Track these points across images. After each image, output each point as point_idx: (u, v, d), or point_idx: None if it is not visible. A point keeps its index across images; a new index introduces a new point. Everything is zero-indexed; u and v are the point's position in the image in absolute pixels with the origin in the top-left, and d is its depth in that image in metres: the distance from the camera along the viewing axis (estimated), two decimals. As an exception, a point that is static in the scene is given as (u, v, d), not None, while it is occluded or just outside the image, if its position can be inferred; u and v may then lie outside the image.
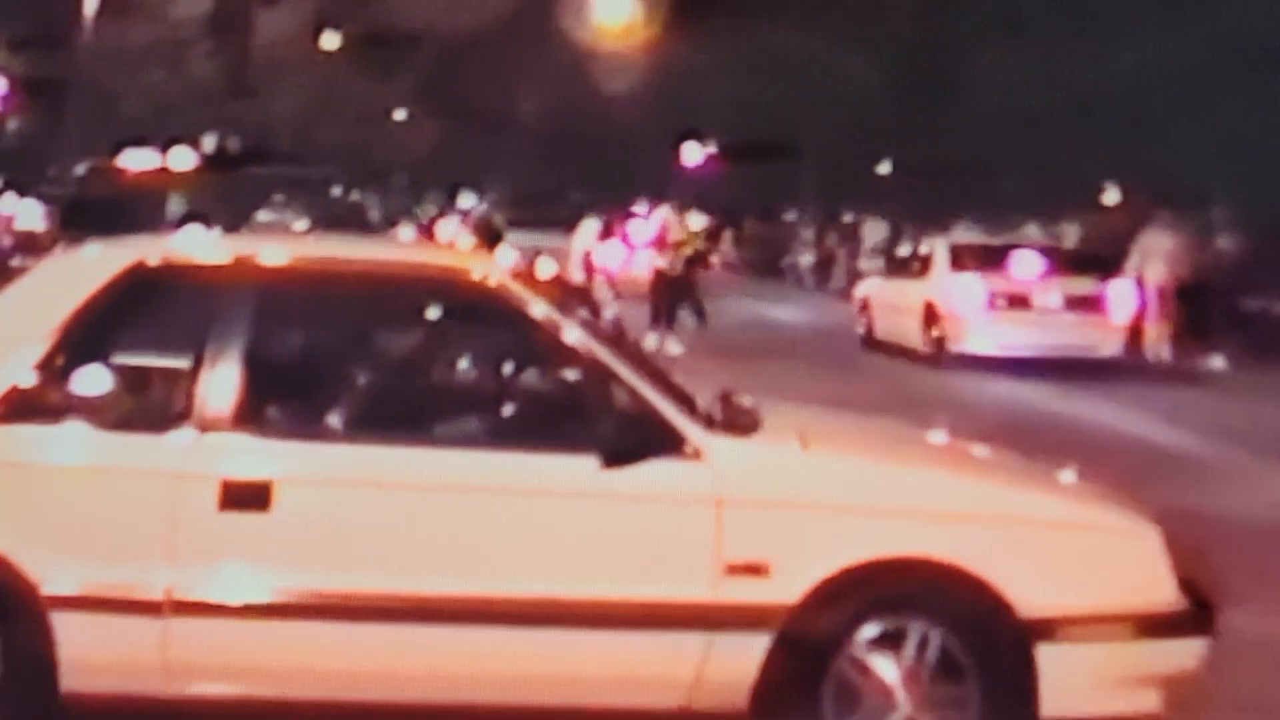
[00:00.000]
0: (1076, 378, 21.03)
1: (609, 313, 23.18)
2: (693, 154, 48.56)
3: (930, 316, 23.60)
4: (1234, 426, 16.97)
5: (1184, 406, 18.94)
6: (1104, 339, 23.03)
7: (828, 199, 48.28)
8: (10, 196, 35.21)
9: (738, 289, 39.62)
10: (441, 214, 49.64)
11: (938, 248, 25.04)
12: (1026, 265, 23.77)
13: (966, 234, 29.99)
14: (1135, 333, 23.75)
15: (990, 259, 24.00)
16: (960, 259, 24.13)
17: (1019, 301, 22.91)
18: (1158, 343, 23.77)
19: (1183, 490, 11.69)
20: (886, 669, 6.08)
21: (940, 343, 23.24)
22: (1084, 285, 23.35)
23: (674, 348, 23.64)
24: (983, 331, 22.77)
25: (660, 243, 26.71)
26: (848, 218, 45.31)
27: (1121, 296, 23.51)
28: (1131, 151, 36.06)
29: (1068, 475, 6.89)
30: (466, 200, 56.40)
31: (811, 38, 45.33)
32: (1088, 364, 22.09)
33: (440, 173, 59.98)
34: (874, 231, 41.94)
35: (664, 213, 27.45)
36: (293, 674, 6.10)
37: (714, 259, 52.76)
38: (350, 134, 58.06)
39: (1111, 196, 41.41)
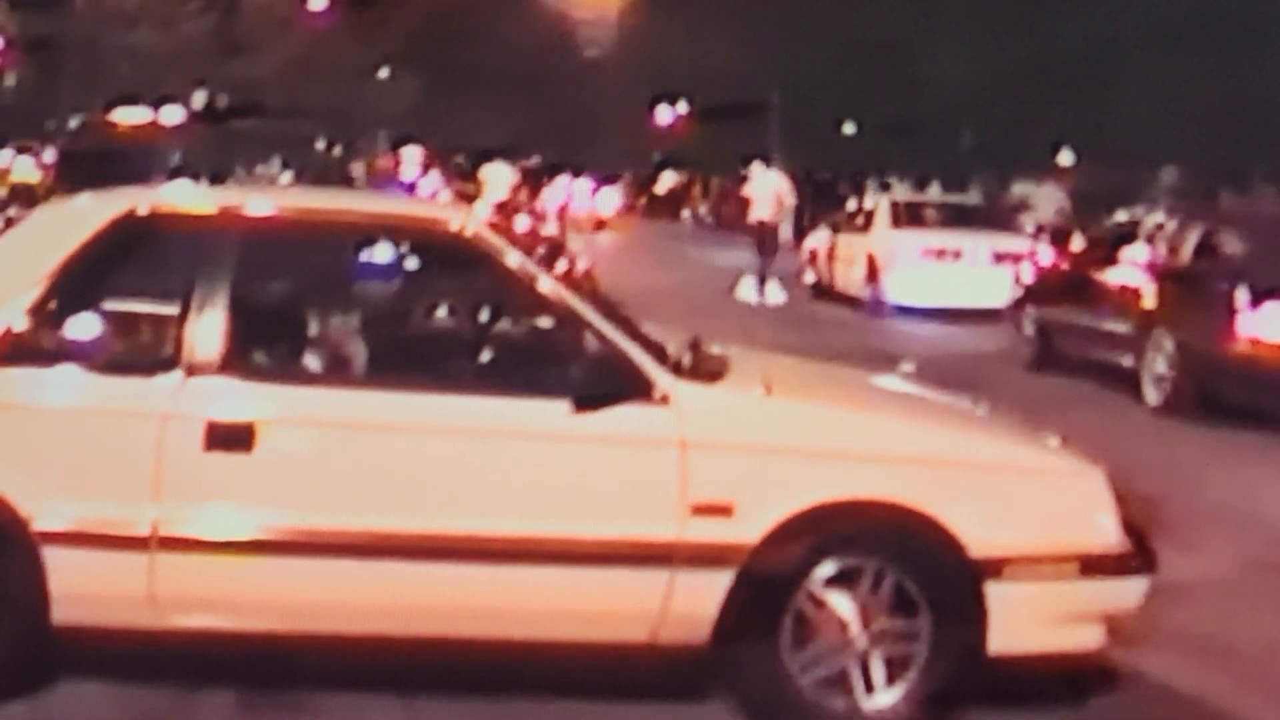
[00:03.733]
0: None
1: (581, 263, 23.94)
2: (666, 114, 48.97)
3: (872, 268, 25.13)
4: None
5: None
6: None
7: (795, 158, 49.12)
8: (8, 151, 35.39)
9: (711, 242, 41.46)
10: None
11: (880, 205, 26.78)
12: (959, 223, 25.83)
13: (908, 193, 31.87)
14: None
15: (927, 216, 26.18)
16: (900, 216, 25.92)
17: (951, 256, 24.55)
18: None
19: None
20: (843, 605, 6.25)
21: (879, 292, 24.77)
22: (1011, 243, 24.64)
23: (776, 296, 25.33)
24: (917, 282, 24.33)
25: (779, 201, 28.00)
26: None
27: (1043, 254, 24.95)
28: (1084, 115, 36.61)
29: (1011, 418, 7.18)
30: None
31: (779, 3, 45.85)
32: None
33: (418, 129, 60.16)
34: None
35: (775, 173, 28.59)
36: (272, 607, 6.31)
37: (685, 214, 53.25)
38: (335, 92, 58.22)
39: (1066, 158, 41.85)
